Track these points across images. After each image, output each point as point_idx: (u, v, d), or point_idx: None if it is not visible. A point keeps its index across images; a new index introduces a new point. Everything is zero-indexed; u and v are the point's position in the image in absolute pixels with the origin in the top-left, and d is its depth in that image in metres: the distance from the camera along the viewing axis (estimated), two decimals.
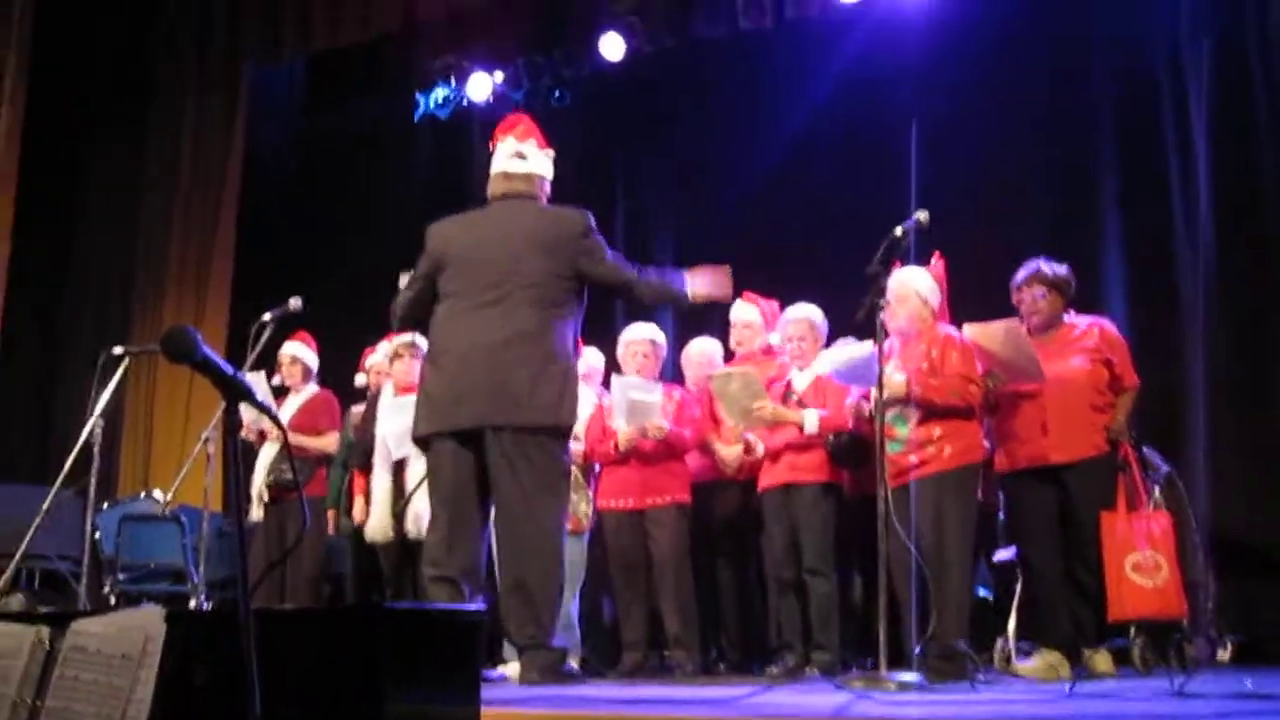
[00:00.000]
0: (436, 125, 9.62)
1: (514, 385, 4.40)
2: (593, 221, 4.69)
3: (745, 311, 6.13)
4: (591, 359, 6.45)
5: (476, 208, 4.92)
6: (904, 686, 3.94)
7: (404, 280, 4.93)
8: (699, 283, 4.85)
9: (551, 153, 4.87)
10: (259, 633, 2.16)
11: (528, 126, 4.85)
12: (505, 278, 4.51)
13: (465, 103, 9.42)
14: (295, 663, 2.43)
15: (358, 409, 6.73)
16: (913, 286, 5.04)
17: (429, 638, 2.56)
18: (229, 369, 2.07)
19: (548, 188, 4.84)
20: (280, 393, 7.00)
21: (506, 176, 4.76)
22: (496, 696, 3.29)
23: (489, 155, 4.88)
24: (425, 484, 5.95)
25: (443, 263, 4.64)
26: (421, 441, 4.66)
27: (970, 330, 5.06)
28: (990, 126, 7.47)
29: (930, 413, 4.90)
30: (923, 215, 4.54)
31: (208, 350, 2.03)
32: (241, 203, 9.57)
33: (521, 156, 4.76)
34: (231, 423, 2.07)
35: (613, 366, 6.34)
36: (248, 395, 2.10)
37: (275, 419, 2.37)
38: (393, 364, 6.47)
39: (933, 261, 5.19)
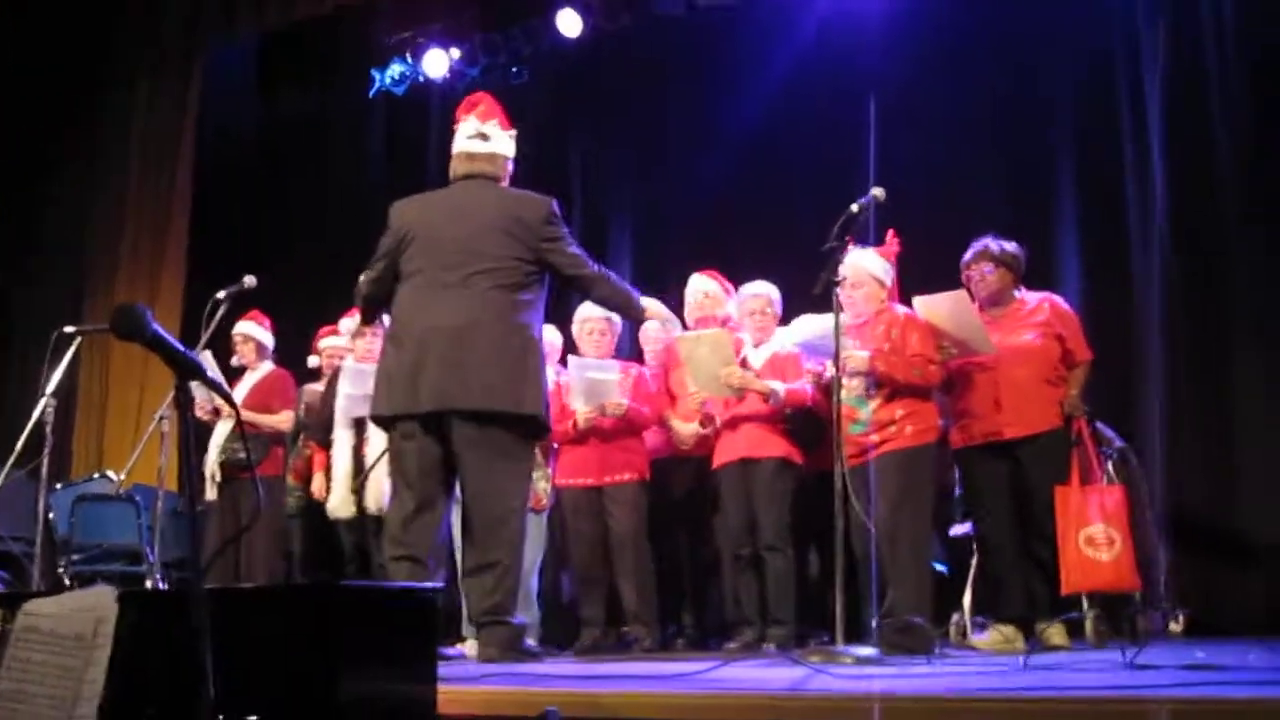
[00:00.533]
0: (392, 101, 9.55)
1: (476, 369, 4.37)
2: (557, 208, 4.67)
3: (704, 283, 6.12)
4: (549, 337, 6.42)
5: (436, 186, 4.89)
6: (861, 660, 3.96)
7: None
8: (653, 305, 5.03)
9: (514, 133, 4.83)
10: (213, 612, 2.15)
11: (489, 106, 4.80)
12: (468, 258, 4.48)
13: (421, 79, 9.35)
14: (250, 642, 2.42)
15: (311, 387, 6.69)
16: (867, 270, 5.06)
17: (385, 616, 2.56)
18: (179, 346, 2.05)
19: (510, 168, 4.81)
20: (237, 372, 6.95)
21: (469, 157, 4.71)
22: (454, 674, 3.29)
23: (451, 135, 4.84)
24: (385, 459, 6.01)
25: (405, 241, 4.59)
26: (382, 421, 4.63)
27: (919, 302, 5.10)
28: (948, 103, 7.49)
29: (892, 393, 4.93)
30: (879, 192, 4.55)
31: (158, 327, 2.01)
32: (196, 181, 9.48)
33: (484, 137, 4.72)
34: (183, 400, 2.05)
35: (569, 345, 6.33)
36: (199, 372, 2.08)
37: (227, 396, 2.36)
38: (354, 340, 6.44)
39: (887, 239, 5.20)
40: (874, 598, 4.68)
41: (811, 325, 5.10)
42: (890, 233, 5.20)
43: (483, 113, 4.76)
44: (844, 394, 4.67)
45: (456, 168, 4.76)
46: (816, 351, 5.13)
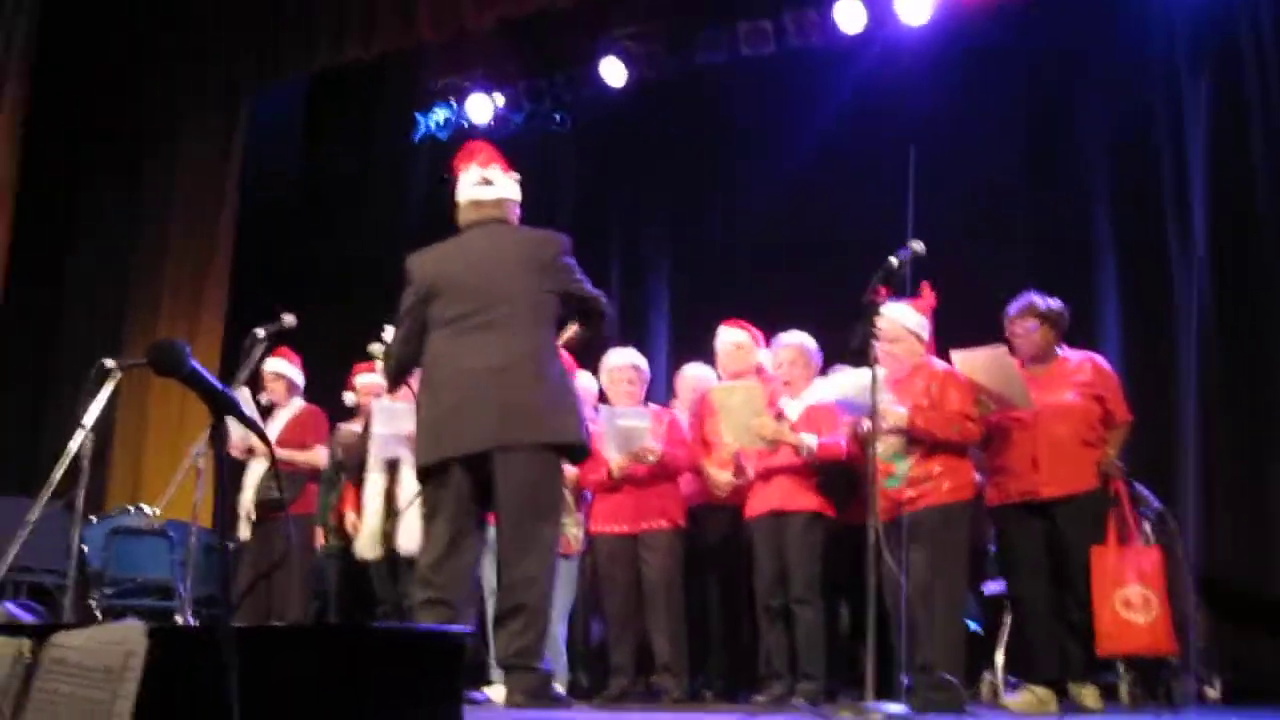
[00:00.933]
0: (436, 146, 9.63)
1: (527, 404, 4.39)
2: (569, 245, 4.70)
3: (733, 334, 6.11)
4: (585, 382, 6.43)
5: (450, 237, 4.89)
6: (891, 717, 3.92)
7: (387, 334, 4.95)
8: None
9: (517, 176, 4.83)
10: (241, 650, 2.15)
11: (489, 153, 4.80)
12: (501, 299, 4.49)
13: (465, 124, 9.43)
14: (278, 681, 2.41)
15: (345, 426, 6.71)
16: (903, 325, 5.04)
17: (412, 658, 2.55)
18: (216, 383, 2.06)
19: (518, 211, 4.80)
20: (265, 410, 6.98)
21: (476, 204, 4.71)
22: (480, 718, 3.27)
23: (452, 186, 4.88)
24: (417, 501, 6.02)
25: (433, 292, 4.59)
26: (430, 470, 4.58)
27: (957, 357, 5.07)
28: (987, 156, 7.50)
29: (931, 449, 4.90)
30: (918, 245, 4.55)
31: (195, 363, 2.02)
32: (239, 221, 9.57)
33: (488, 182, 4.72)
34: (218, 437, 2.06)
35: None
36: (235, 409, 2.09)
37: (262, 434, 2.37)
38: None
39: (921, 292, 5.18)
40: (905, 654, 4.63)
41: (848, 381, 5.07)
42: (924, 285, 5.18)
43: (483, 160, 4.76)
44: (881, 449, 4.65)
45: (464, 216, 4.73)
46: (854, 408, 5.08)
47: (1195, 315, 6.68)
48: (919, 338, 5.09)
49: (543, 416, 4.40)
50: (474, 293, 4.53)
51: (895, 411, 4.82)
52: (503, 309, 4.49)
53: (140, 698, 2.32)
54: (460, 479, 4.46)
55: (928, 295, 5.19)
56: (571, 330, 4.92)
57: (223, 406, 2.06)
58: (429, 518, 4.59)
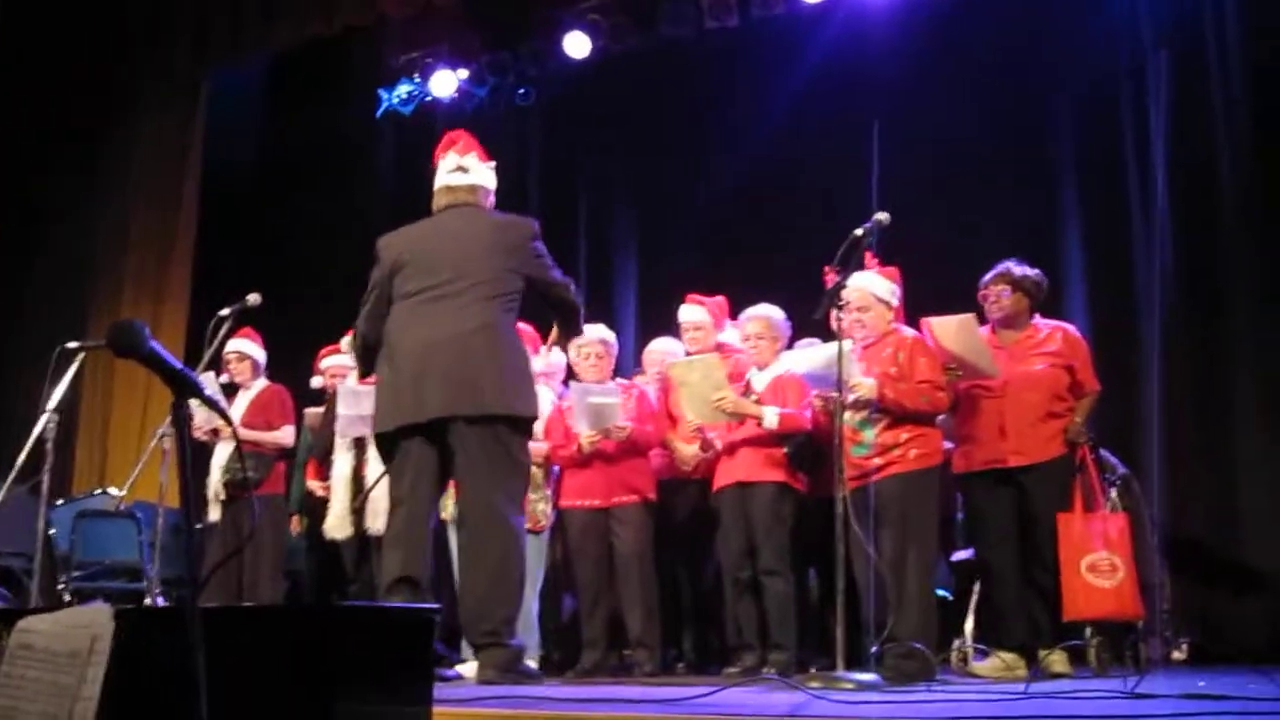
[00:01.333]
0: (399, 122, 9.58)
1: (481, 375, 4.46)
2: (538, 229, 4.80)
3: (693, 313, 6.12)
4: (554, 357, 6.43)
5: (425, 217, 4.94)
6: (861, 686, 3.94)
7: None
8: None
9: (493, 164, 4.93)
10: (208, 631, 2.14)
11: (467, 142, 4.91)
12: (461, 274, 4.57)
13: (429, 99, 9.39)
14: (245, 662, 2.41)
15: (313, 410, 6.68)
16: (871, 291, 5.04)
17: (380, 637, 2.54)
18: (177, 364, 2.04)
19: (492, 199, 4.91)
20: (229, 390, 6.93)
21: (450, 189, 4.82)
22: (449, 695, 3.27)
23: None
24: (384, 480, 6.01)
25: (396, 267, 4.69)
26: (386, 437, 4.64)
27: (927, 323, 5.08)
28: (952, 128, 7.50)
29: (899, 418, 4.91)
30: (883, 216, 4.56)
31: (155, 344, 2.00)
32: (202, 200, 9.49)
33: (463, 170, 4.83)
34: (180, 417, 2.04)
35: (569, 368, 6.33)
36: (196, 390, 2.07)
37: (225, 415, 2.35)
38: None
39: (865, 265, 5.17)
40: (874, 623, 4.66)
41: (816, 354, 5.08)
42: (869, 256, 5.16)
43: (461, 148, 4.88)
44: (847, 416, 4.67)
45: (438, 201, 4.86)
46: (823, 381, 5.09)
47: (1158, 284, 6.73)
48: (888, 305, 5.09)
49: (494, 389, 4.46)
50: (437, 267, 4.60)
51: (864, 383, 4.82)
52: (462, 284, 4.56)
53: (107, 680, 2.32)
54: (419, 449, 4.51)
55: (872, 265, 5.17)
56: (554, 335, 5.08)
57: (184, 387, 2.04)
58: (391, 490, 4.62)
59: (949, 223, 7.26)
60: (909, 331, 5.09)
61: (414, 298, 4.61)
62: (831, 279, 4.55)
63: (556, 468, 6.10)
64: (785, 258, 7.31)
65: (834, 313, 4.57)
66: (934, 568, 4.97)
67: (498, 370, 4.49)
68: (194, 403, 2.08)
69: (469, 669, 5.20)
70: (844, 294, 4.55)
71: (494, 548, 4.41)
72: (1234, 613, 6.32)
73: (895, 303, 5.12)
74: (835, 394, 4.52)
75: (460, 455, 4.47)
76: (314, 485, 6.50)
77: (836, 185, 7.58)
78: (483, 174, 4.87)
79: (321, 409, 6.74)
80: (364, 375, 5.20)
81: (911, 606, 4.69)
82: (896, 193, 6.93)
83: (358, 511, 6.11)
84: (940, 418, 5.26)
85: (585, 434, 5.85)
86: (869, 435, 4.91)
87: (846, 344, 4.55)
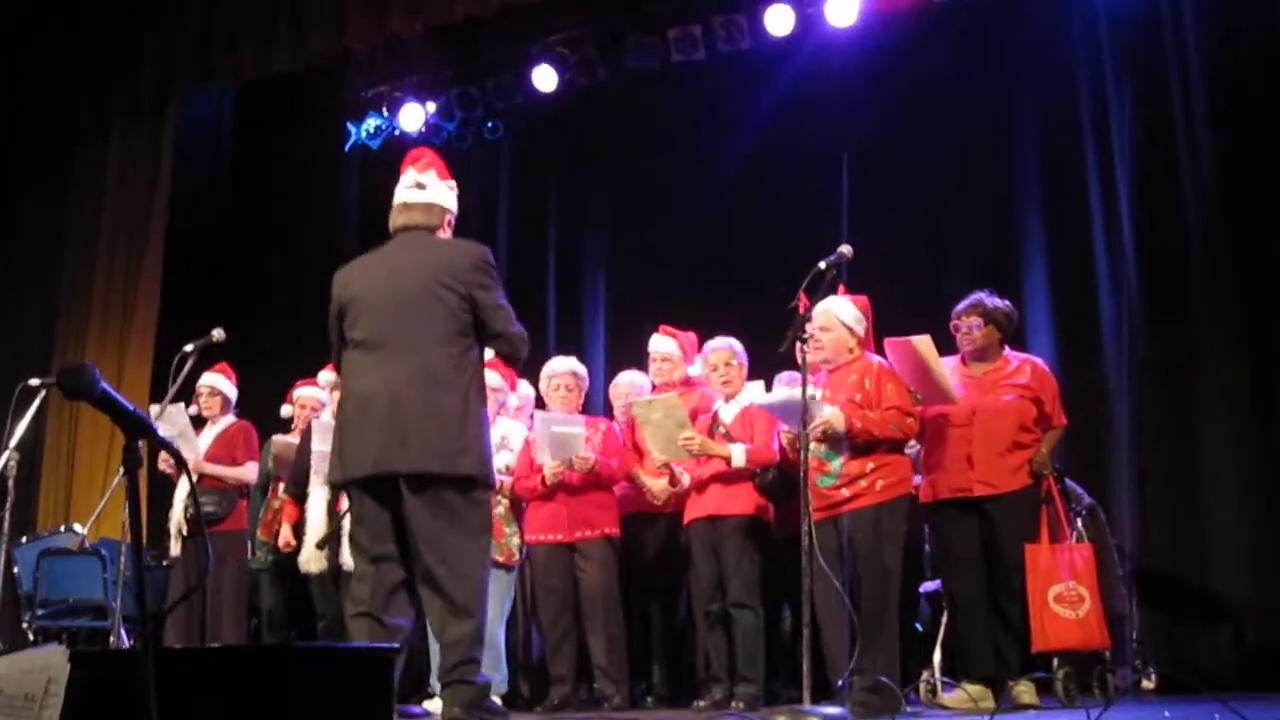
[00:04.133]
0: (368, 155, 9.58)
1: (413, 433, 4.29)
2: (490, 256, 4.57)
3: (663, 344, 6.15)
4: (523, 390, 6.43)
5: (378, 246, 4.83)
6: None
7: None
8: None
9: (453, 184, 4.76)
10: (165, 673, 2.12)
11: (430, 159, 4.74)
12: (403, 319, 4.40)
13: (397, 133, 9.39)
14: (203, 703, 2.39)
15: (279, 439, 6.65)
16: (837, 316, 5.06)
17: (339, 676, 2.53)
18: (128, 405, 2.04)
19: (451, 219, 4.72)
20: (199, 423, 6.90)
21: (406, 207, 4.64)
22: None
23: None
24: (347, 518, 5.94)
25: (344, 309, 4.54)
26: (336, 488, 4.61)
27: (889, 344, 5.10)
28: (917, 160, 7.56)
29: (866, 447, 4.91)
30: (846, 249, 4.59)
31: (106, 386, 1.99)
32: (169, 233, 9.44)
33: (421, 186, 4.65)
34: (131, 460, 2.03)
35: (539, 401, 6.33)
36: (147, 431, 2.07)
37: (177, 455, 2.34)
38: (333, 393, 6.44)
39: (838, 294, 5.19)
40: (841, 657, 4.65)
41: (784, 393, 5.09)
42: (840, 287, 5.19)
43: (422, 165, 4.69)
44: (813, 446, 4.67)
45: (394, 219, 4.66)
46: (789, 414, 5.08)
47: (1125, 314, 6.77)
48: (852, 330, 5.10)
49: (432, 446, 4.29)
50: (378, 313, 4.45)
51: (834, 417, 4.81)
52: (403, 329, 4.40)
53: None
54: (372, 503, 4.40)
55: (845, 296, 5.20)
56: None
57: (135, 429, 2.04)
58: (350, 536, 4.57)
59: (914, 255, 7.31)
60: (876, 359, 5.10)
61: (358, 346, 4.48)
62: (804, 306, 4.55)
63: (524, 501, 6.07)
64: (754, 290, 7.33)
65: (799, 345, 4.57)
66: (896, 600, 4.93)
67: (431, 426, 4.30)
68: (162, 432, 2.07)
69: (437, 705, 5.17)
70: (807, 327, 4.54)
71: (446, 598, 4.32)
72: (1203, 643, 6.35)
73: (860, 331, 5.13)
74: (801, 430, 4.51)
75: (407, 512, 4.33)
76: (285, 532, 6.43)
77: (804, 216, 7.63)
78: (441, 193, 4.67)
79: (291, 437, 6.70)
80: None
81: (877, 639, 4.69)
82: (866, 223, 6.99)
83: (322, 546, 6.07)
84: (910, 448, 5.28)
85: (549, 464, 5.84)
86: (835, 465, 4.92)
87: (811, 389, 4.53)
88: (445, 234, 4.67)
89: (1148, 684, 6.00)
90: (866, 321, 5.18)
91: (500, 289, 4.55)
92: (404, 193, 4.67)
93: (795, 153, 7.92)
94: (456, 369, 4.40)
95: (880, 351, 5.20)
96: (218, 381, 6.95)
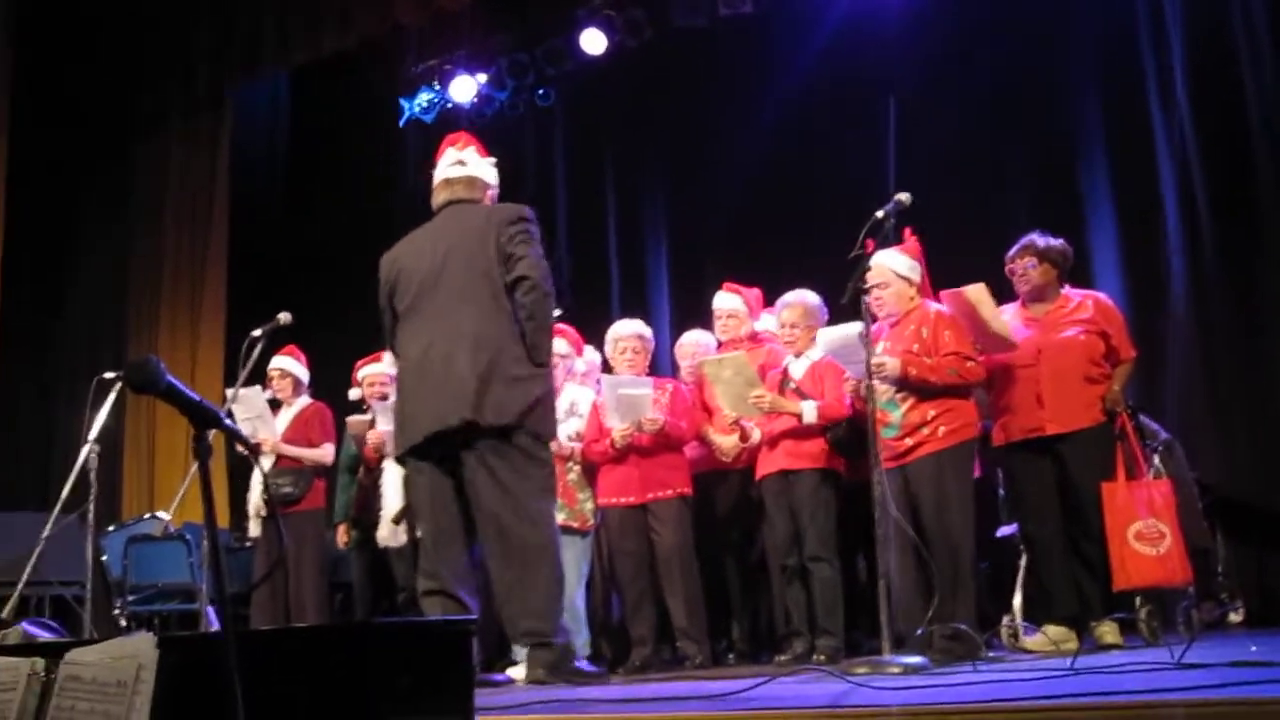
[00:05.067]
0: (422, 129, 9.62)
1: (466, 389, 4.38)
2: (530, 214, 4.65)
3: (728, 300, 6.13)
4: (590, 355, 6.45)
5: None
6: (908, 670, 3.93)
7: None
8: None
9: (493, 160, 4.90)
10: (249, 655, 2.17)
11: (466, 139, 4.91)
12: (448, 281, 4.53)
13: (450, 105, 9.42)
14: (287, 683, 2.44)
15: (354, 418, 6.72)
16: (890, 268, 5.01)
17: (418, 651, 2.56)
18: (195, 396, 2.07)
19: (492, 194, 4.86)
20: (275, 405, 6.99)
21: (448, 183, 4.81)
22: (492, 703, 3.29)
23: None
24: None
25: (391, 286, 4.70)
26: (401, 461, 4.71)
27: (945, 296, 5.06)
28: (970, 97, 7.46)
29: (924, 394, 4.88)
30: (904, 196, 4.53)
31: (172, 379, 2.03)
32: (232, 221, 9.57)
33: (461, 164, 4.81)
34: (201, 450, 2.07)
35: (604, 364, 6.34)
36: (216, 421, 2.10)
37: (246, 442, 2.38)
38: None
39: (904, 238, 5.16)
40: (917, 605, 4.63)
41: (833, 335, 5.06)
42: (906, 231, 5.15)
43: (461, 144, 4.87)
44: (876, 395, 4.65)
45: (436, 196, 4.84)
46: (845, 361, 5.08)
47: (1191, 241, 6.66)
48: (910, 281, 5.06)
49: (478, 400, 4.37)
50: (423, 282, 4.58)
51: (890, 363, 4.80)
52: (446, 294, 4.52)
53: (155, 707, 2.36)
54: (433, 470, 4.50)
55: (910, 240, 5.17)
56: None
57: (203, 420, 2.07)
58: (415, 510, 4.66)
59: (970, 197, 7.22)
60: (933, 306, 5.06)
61: (406, 317, 4.63)
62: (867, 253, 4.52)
63: (596, 464, 6.09)
64: (814, 241, 7.30)
65: (861, 295, 4.55)
66: (971, 545, 4.90)
67: (484, 380, 4.39)
68: (240, 416, 2.11)
69: (520, 671, 5.23)
70: (866, 277, 4.52)
71: (514, 559, 4.38)
72: None
73: (916, 279, 5.09)
74: (864, 379, 4.49)
75: (467, 470, 4.44)
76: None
77: (860, 163, 7.56)
78: (481, 168, 4.84)
79: (364, 417, 6.78)
80: None
81: (956, 585, 4.68)
82: (918, 166, 6.90)
83: (396, 521, 6.16)
84: (976, 394, 5.23)
85: (617, 427, 5.86)
86: (896, 416, 4.90)
87: (860, 326, 4.52)
88: (485, 205, 4.78)
89: (1235, 617, 5.93)
90: (921, 267, 5.13)
91: (537, 245, 4.60)
92: (445, 169, 4.82)
93: (846, 100, 7.85)
94: (500, 321, 4.48)
95: (938, 295, 5.16)
96: (287, 364, 7.04)
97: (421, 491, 4.55)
